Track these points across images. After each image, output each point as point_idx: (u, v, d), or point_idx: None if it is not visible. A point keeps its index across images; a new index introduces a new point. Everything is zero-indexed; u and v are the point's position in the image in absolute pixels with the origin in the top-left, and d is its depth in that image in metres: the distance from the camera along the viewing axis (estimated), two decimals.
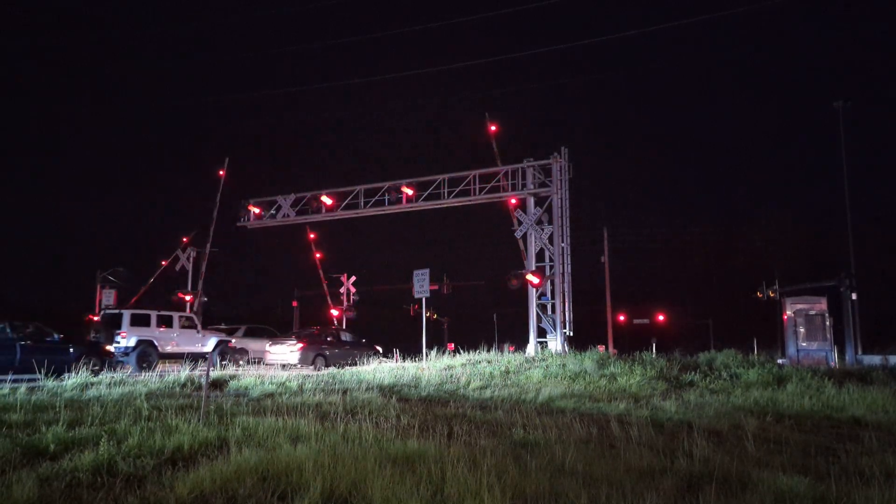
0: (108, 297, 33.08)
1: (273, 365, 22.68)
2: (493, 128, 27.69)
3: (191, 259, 34.17)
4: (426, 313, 22.36)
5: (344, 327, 39.12)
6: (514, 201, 26.48)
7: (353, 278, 41.37)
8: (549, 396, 12.67)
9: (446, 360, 21.13)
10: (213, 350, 23.47)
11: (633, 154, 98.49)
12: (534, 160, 26.48)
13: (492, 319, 48.55)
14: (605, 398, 12.78)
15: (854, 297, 27.96)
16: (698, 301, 56.27)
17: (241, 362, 24.82)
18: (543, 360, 19.85)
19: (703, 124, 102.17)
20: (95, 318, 32.38)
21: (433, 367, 18.48)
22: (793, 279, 35.62)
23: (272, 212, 31.59)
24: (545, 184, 26.05)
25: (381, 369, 18.15)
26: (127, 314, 21.94)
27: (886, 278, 45.53)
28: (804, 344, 24.95)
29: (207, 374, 10.39)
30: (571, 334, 25.17)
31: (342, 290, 41.14)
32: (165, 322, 22.87)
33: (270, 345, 23.97)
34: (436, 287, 37.47)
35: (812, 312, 25.25)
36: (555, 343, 24.85)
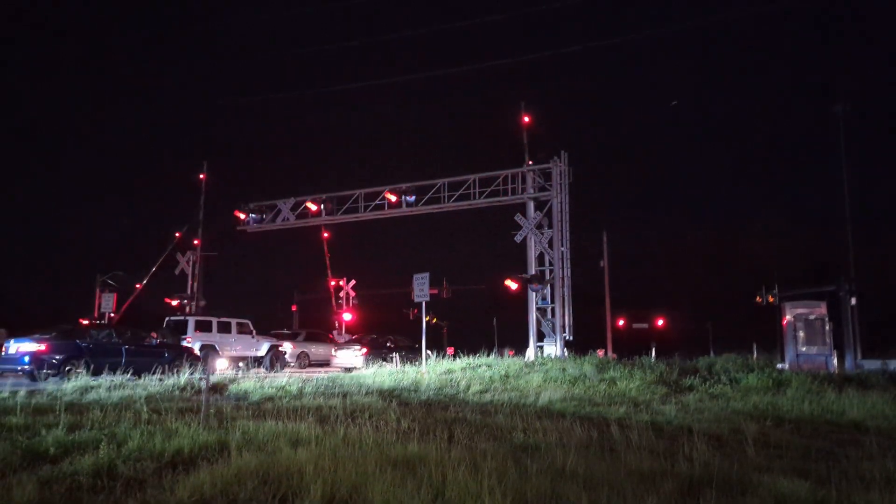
0: (107, 300, 33.04)
1: (339, 368, 24.95)
2: (526, 119, 27.29)
3: (190, 263, 34.20)
4: (426, 317, 22.33)
5: (343, 331, 39.21)
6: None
7: (353, 282, 41.40)
8: (549, 400, 12.66)
9: (446, 364, 21.11)
10: (266, 354, 24.85)
11: (632, 159, 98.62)
12: (534, 164, 26.51)
13: (492, 324, 48.48)
14: (605, 402, 12.78)
15: (854, 301, 27.96)
16: (698, 306, 56.29)
17: (304, 364, 27.61)
18: (543, 364, 19.85)
19: (702, 128, 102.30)
20: (86, 322, 32.42)
21: (433, 371, 18.47)
22: (792, 284, 35.65)
23: (272, 216, 31.64)
24: (545, 188, 26.09)
25: (381, 373, 18.14)
26: (192, 321, 23.75)
27: (886, 283, 45.53)
28: (804, 349, 24.95)
29: (207, 378, 10.38)
30: (571, 338, 25.18)
31: (342, 293, 41.16)
32: (224, 328, 24.35)
33: (336, 350, 27.03)
34: (435, 291, 37.43)
35: (812, 317, 25.25)
36: (554, 347, 24.85)
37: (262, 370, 22.77)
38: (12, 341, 17.16)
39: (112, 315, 34.01)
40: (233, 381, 14.12)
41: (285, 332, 31.55)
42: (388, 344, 27.13)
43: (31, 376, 15.84)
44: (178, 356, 18.79)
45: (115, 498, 5.12)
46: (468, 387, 14.73)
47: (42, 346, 16.46)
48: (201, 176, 34.44)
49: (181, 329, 23.15)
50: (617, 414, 11.16)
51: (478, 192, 27.33)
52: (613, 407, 12.09)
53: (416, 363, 21.18)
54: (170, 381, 13.50)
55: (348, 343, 28.01)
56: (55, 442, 6.82)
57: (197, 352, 21.17)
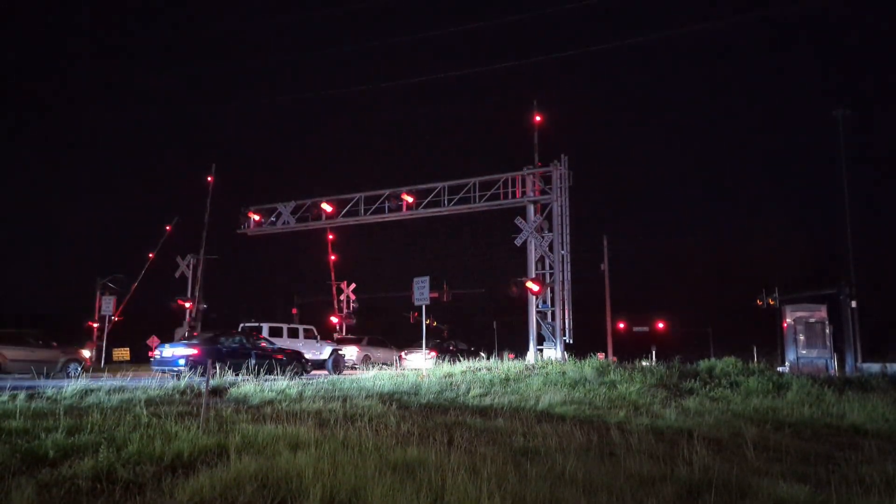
0: (107, 303, 33.04)
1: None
2: (538, 118, 27.18)
3: (191, 266, 34.19)
4: (426, 321, 22.34)
5: (344, 333, 39.19)
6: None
7: (353, 285, 41.38)
8: (548, 404, 12.66)
9: (446, 367, 21.10)
10: (329, 357, 26.31)
11: (633, 162, 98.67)
12: (534, 167, 26.52)
13: (492, 327, 48.47)
14: (605, 406, 12.77)
15: (854, 304, 27.95)
16: (698, 309, 56.25)
17: (367, 366, 29.26)
18: (543, 367, 19.83)
19: (703, 132, 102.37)
20: (93, 324, 32.40)
21: (433, 375, 18.46)
22: (792, 287, 35.63)
23: (272, 219, 31.63)
24: (545, 191, 26.09)
25: (380, 376, 18.13)
26: (266, 326, 25.99)
27: (886, 286, 45.54)
28: (804, 352, 24.94)
29: (207, 382, 10.38)
30: (571, 342, 25.16)
31: (342, 296, 41.14)
32: (293, 333, 26.90)
33: (406, 353, 29.79)
34: (436, 295, 37.43)
35: (812, 320, 25.25)
36: (554, 351, 24.84)
37: (324, 372, 24.55)
38: (167, 346, 20.36)
39: (114, 318, 34.02)
40: (232, 384, 14.11)
41: (350, 337, 34.62)
42: (450, 347, 31.23)
43: (177, 375, 17.86)
44: (293, 359, 21.51)
45: (115, 501, 5.12)
46: (468, 390, 14.71)
47: (195, 351, 19.45)
48: (209, 178, 34.46)
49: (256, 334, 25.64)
50: (617, 418, 11.16)
51: (478, 196, 27.33)
52: (613, 410, 12.09)
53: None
54: (178, 383, 13.59)
55: (416, 347, 30.32)
56: (54, 445, 6.81)
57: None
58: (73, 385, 11.96)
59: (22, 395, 10.47)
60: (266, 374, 18.04)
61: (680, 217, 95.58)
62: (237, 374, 16.76)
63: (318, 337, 27.54)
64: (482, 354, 27.36)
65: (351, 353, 29.40)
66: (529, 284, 25.03)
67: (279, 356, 21.03)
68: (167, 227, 36.30)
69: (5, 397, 10.25)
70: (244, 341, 21.12)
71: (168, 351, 19.77)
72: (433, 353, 28.05)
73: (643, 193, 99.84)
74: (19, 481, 5.42)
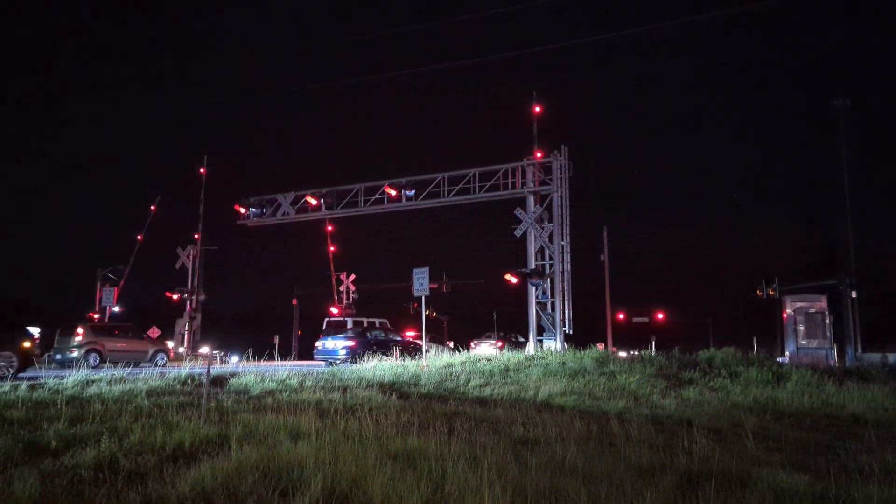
0: (108, 294, 33.08)
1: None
2: (537, 108, 27.11)
3: (191, 257, 34.18)
4: (426, 311, 22.36)
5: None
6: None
7: (353, 276, 41.39)
8: (548, 394, 12.69)
9: (446, 357, 21.13)
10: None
11: (632, 154, 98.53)
12: (534, 158, 26.47)
13: (491, 318, 48.54)
14: (605, 396, 12.81)
15: (854, 295, 27.98)
16: (698, 300, 56.31)
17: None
18: (543, 358, 19.86)
19: (702, 122, 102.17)
20: (95, 316, 32.46)
21: (433, 365, 18.49)
22: (792, 278, 35.65)
23: (272, 210, 31.61)
24: (545, 182, 26.06)
25: (381, 367, 18.16)
26: (350, 321, 31.58)
27: (887, 277, 45.56)
28: (804, 342, 24.97)
29: (208, 372, 10.41)
30: (571, 332, 25.20)
31: (342, 287, 41.16)
32: (371, 326, 31.28)
33: (476, 343, 32.44)
34: (435, 286, 37.43)
35: (812, 311, 25.26)
36: (554, 341, 24.88)
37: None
38: (329, 339, 25.09)
39: (115, 308, 34.05)
40: (233, 374, 14.13)
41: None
42: (512, 338, 33.84)
43: (331, 363, 22.32)
44: (414, 347, 25.26)
45: (117, 491, 5.13)
46: (468, 381, 14.74)
47: (352, 343, 24.12)
48: (201, 170, 34.43)
49: (342, 326, 30.67)
50: (616, 408, 11.19)
51: (478, 187, 27.30)
52: (613, 401, 12.12)
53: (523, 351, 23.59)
54: (179, 373, 13.64)
55: (485, 338, 34.02)
56: (56, 435, 6.83)
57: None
58: (74, 376, 11.99)
59: (24, 386, 10.50)
60: (405, 357, 21.32)
61: (680, 208, 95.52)
62: (381, 360, 20.16)
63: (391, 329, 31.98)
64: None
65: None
66: (529, 275, 25.04)
67: (409, 345, 25.94)
68: (152, 207, 36.30)
69: (7, 387, 10.28)
70: (386, 334, 26.78)
71: (330, 343, 24.63)
72: (500, 343, 31.39)
73: (643, 184, 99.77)
74: (22, 471, 5.43)
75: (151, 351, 23.53)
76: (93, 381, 11.73)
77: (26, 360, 15.62)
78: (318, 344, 25.22)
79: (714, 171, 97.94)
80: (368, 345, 23.60)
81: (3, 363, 15.04)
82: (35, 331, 21.26)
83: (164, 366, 18.51)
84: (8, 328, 17.11)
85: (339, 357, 23.26)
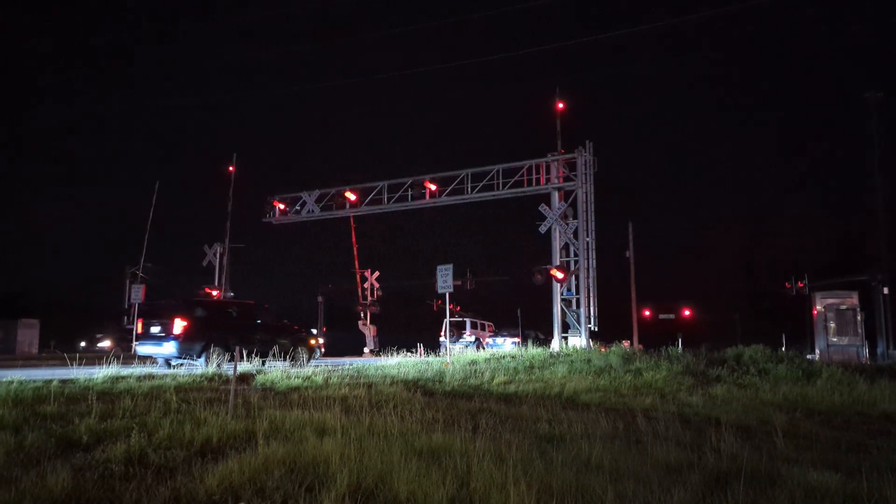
0: (136, 292, 33.54)
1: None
2: (561, 105, 27.02)
3: (217, 255, 34.54)
4: (450, 308, 22.38)
5: (369, 322, 39.50)
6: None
7: (377, 273, 41.54)
8: (573, 391, 12.63)
9: (470, 354, 21.13)
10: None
11: (658, 149, 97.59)
12: (558, 154, 26.34)
13: (516, 315, 48.44)
14: (631, 393, 12.71)
15: (886, 291, 27.48)
16: (725, 296, 55.70)
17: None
18: (568, 355, 19.78)
19: (730, 117, 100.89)
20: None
21: (457, 362, 18.50)
22: (822, 274, 35.11)
23: (297, 208, 31.83)
24: (570, 178, 25.93)
25: (405, 364, 18.20)
26: (468, 321, 38.67)
27: None
28: (835, 339, 24.58)
29: (235, 369, 10.50)
30: (596, 329, 25.07)
31: (366, 284, 41.32)
32: (482, 327, 39.35)
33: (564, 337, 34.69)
34: (459, 283, 37.49)
35: (843, 307, 24.86)
36: (579, 338, 24.76)
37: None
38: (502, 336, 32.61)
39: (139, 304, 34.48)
40: (259, 371, 14.26)
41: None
42: (533, 335, 37.78)
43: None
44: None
45: (147, 485, 5.19)
46: (492, 378, 14.73)
47: (517, 339, 31.09)
48: (230, 168, 34.75)
49: (461, 326, 37.79)
50: (643, 405, 11.10)
51: (502, 183, 27.25)
52: (639, 398, 12.02)
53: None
54: (206, 370, 13.93)
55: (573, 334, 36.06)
56: (88, 430, 6.94)
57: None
58: (104, 371, 12.18)
59: (55, 382, 10.68)
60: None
61: (706, 204, 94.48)
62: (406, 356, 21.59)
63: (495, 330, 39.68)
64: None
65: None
66: (554, 272, 24.94)
67: (516, 339, 34.87)
68: (153, 196, 36.57)
69: (40, 382, 10.47)
70: (504, 332, 37.91)
71: (500, 340, 33.35)
72: (518, 339, 36.21)
73: (669, 181, 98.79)
74: (55, 465, 5.53)
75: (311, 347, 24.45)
76: (122, 378, 11.91)
77: (312, 352, 21.37)
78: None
79: (742, 167, 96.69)
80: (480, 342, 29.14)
81: (304, 355, 20.44)
82: (314, 331, 27.41)
83: (317, 359, 21.02)
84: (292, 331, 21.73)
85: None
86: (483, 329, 39.55)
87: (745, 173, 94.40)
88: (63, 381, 11.00)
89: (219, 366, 15.88)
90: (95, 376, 11.76)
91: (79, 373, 12.46)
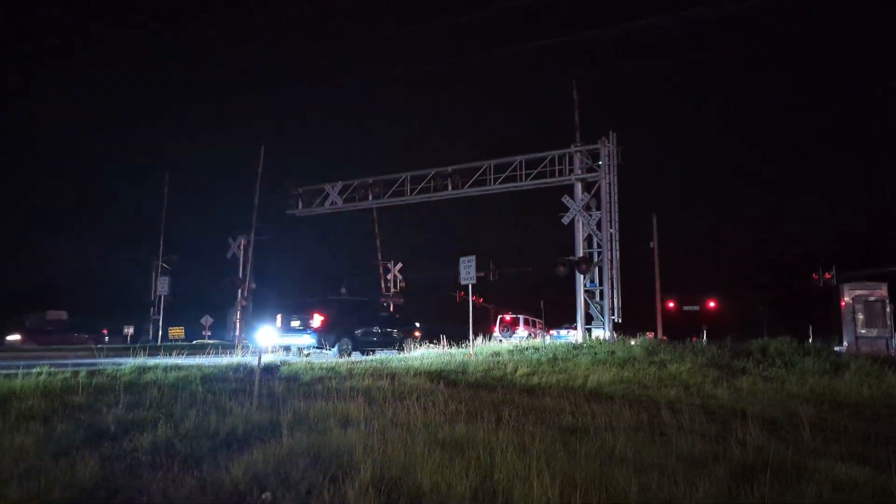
0: (162, 283, 33.98)
1: None
2: (577, 96, 26.71)
3: (241, 247, 34.79)
4: (473, 299, 22.37)
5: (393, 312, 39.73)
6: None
7: (400, 265, 41.64)
8: (597, 383, 12.57)
9: (493, 346, 21.14)
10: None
11: (682, 139, 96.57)
12: (581, 145, 26.16)
13: (539, 306, 48.31)
14: (655, 385, 12.63)
15: None
16: (750, 288, 55.03)
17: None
18: (592, 346, 19.70)
19: (753, 105, 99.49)
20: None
21: (480, 354, 18.51)
22: (848, 266, 34.56)
23: (320, 200, 31.98)
24: (593, 169, 25.76)
25: (428, 355, 18.26)
26: (522, 318, 42.69)
27: None
28: (863, 331, 24.24)
29: (259, 360, 10.60)
30: (620, 321, 24.92)
31: (389, 276, 41.46)
32: (534, 323, 42.50)
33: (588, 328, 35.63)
34: (482, 274, 37.45)
35: (872, 299, 24.50)
36: (603, 330, 24.64)
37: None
38: (507, 333, 32.30)
39: (167, 296, 34.91)
40: (283, 362, 14.38)
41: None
42: (543, 327, 40.02)
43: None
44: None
45: (174, 475, 5.26)
46: (515, 369, 14.70)
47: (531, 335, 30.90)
48: (257, 160, 34.93)
49: (516, 324, 40.82)
50: (667, 397, 11.03)
51: (524, 174, 27.13)
52: (663, 390, 11.95)
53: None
54: (231, 361, 14.11)
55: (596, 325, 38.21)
56: (115, 420, 7.05)
57: None
58: (132, 362, 12.37)
59: (83, 372, 10.86)
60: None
61: (732, 195, 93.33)
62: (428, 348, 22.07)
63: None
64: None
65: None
66: (577, 263, 24.82)
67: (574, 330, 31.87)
68: (164, 186, 36.96)
69: (68, 374, 10.65)
70: (566, 325, 36.76)
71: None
72: (534, 330, 39.30)
73: (693, 171, 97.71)
74: (83, 454, 5.63)
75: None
76: (149, 369, 12.07)
77: (414, 341, 23.61)
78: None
79: (768, 158, 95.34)
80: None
81: (410, 344, 22.25)
82: (416, 324, 27.93)
83: (411, 350, 21.44)
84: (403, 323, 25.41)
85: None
86: (534, 325, 42.39)
87: (772, 165, 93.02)
88: (91, 372, 11.18)
89: (349, 354, 20.31)
90: (123, 367, 11.94)
91: (106, 363, 12.66)
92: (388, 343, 23.34)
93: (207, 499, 4.84)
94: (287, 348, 21.71)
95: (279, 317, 22.63)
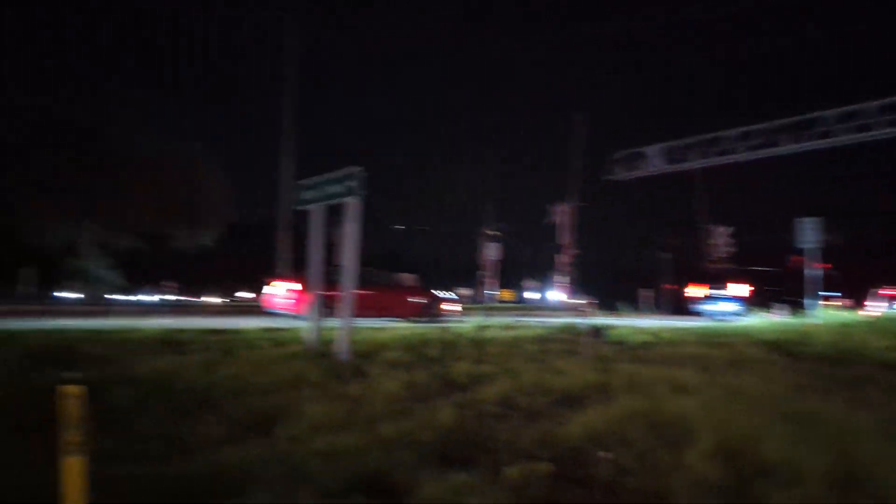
0: (492, 249, 36.46)
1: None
2: None
3: (561, 213, 35.74)
4: (819, 266, 20.13)
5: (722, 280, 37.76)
6: None
7: (729, 229, 39.21)
8: None
9: (842, 315, 18.91)
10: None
11: None
12: None
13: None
14: None
15: None
16: None
17: None
18: None
19: None
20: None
21: (824, 323, 16.68)
22: None
23: (639, 163, 31.35)
24: None
25: (762, 323, 16.99)
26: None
27: None
28: None
29: (587, 323, 10.88)
30: None
31: (715, 241, 39.30)
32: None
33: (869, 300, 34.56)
34: (828, 238, 33.47)
35: None
36: None
37: None
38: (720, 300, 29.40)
39: (493, 261, 37.38)
40: (609, 326, 14.53)
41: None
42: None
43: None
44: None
45: (516, 426, 5.69)
46: (870, 341, 12.95)
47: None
48: (578, 128, 35.54)
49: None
50: None
51: (882, 121, 23.45)
52: None
53: None
54: (558, 322, 14.72)
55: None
56: (463, 373, 7.82)
57: None
58: (472, 321, 13.55)
59: (432, 327, 12.18)
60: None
61: None
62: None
63: None
64: None
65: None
66: None
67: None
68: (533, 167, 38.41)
69: (420, 330, 12.04)
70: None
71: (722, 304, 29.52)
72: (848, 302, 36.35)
73: None
74: (438, 402, 6.36)
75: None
76: (485, 327, 13.12)
77: None
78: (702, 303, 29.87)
79: None
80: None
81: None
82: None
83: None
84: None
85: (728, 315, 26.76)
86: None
87: None
88: (441, 329, 12.49)
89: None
90: (464, 325, 13.12)
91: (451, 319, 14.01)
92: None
93: (547, 451, 5.14)
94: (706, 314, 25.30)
95: (704, 286, 27.37)
